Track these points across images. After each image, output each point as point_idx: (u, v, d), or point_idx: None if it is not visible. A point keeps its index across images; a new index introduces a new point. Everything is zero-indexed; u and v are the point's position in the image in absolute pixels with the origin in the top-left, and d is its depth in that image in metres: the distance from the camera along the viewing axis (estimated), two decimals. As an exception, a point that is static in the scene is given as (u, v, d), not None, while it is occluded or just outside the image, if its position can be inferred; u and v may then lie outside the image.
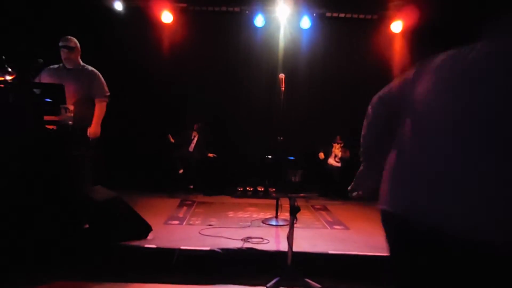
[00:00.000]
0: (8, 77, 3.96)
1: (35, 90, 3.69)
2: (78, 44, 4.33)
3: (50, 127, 3.68)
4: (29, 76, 3.98)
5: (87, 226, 3.66)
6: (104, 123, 4.40)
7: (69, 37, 4.28)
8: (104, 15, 6.43)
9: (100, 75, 4.41)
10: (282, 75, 4.91)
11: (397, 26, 6.62)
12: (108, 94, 4.44)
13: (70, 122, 3.80)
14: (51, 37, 4.42)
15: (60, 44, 4.23)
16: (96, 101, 4.34)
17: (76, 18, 6.00)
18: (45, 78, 4.26)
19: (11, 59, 4.04)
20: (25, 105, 3.54)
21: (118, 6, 6.43)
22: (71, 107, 3.84)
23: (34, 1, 5.64)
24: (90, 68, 4.39)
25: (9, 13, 5.51)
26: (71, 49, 4.23)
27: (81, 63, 4.37)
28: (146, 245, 3.58)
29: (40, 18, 5.70)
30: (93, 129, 4.26)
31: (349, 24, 6.87)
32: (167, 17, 6.54)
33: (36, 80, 4.19)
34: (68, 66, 4.29)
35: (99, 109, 4.34)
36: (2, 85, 3.52)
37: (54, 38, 4.32)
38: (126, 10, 6.52)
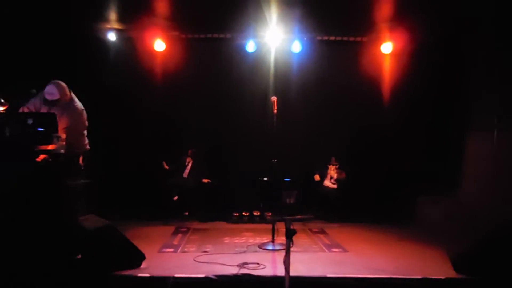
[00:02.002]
0: (1, 108, 3.97)
1: (28, 120, 3.69)
2: (62, 90, 4.18)
3: (42, 156, 3.65)
4: (21, 105, 3.98)
5: (79, 256, 3.58)
6: (97, 151, 4.37)
7: (52, 92, 4.08)
8: (97, 45, 6.49)
9: (84, 112, 4.41)
10: (274, 98, 4.94)
11: (387, 47, 6.69)
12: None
13: (62, 151, 3.77)
14: (43, 66, 4.41)
15: (44, 98, 4.11)
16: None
17: (69, 47, 6.05)
18: (36, 105, 4.22)
19: (3, 89, 4.05)
20: (19, 137, 3.53)
21: (112, 37, 6.48)
22: (63, 135, 3.83)
23: (25, 30, 5.60)
24: (75, 105, 4.35)
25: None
26: (56, 102, 4.14)
27: (68, 99, 4.28)
28: (140, 274, 3.50)
29: (32, 48, 5.62)
30: None
31: (339, 47, 6.95)
32: (159, 45, 6.58)
33: (30, 108, 4.18)
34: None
35: None
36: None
37: (46, 67, 4.30)
38: (120, 40, 6.58)
